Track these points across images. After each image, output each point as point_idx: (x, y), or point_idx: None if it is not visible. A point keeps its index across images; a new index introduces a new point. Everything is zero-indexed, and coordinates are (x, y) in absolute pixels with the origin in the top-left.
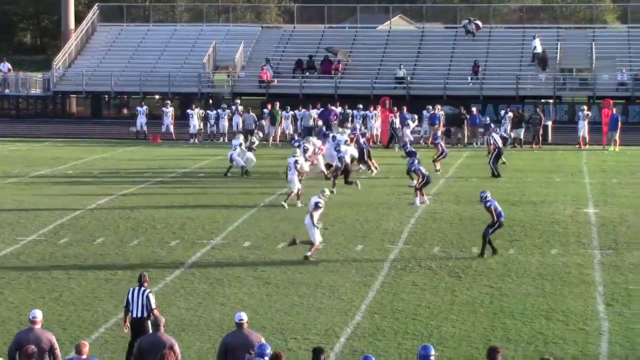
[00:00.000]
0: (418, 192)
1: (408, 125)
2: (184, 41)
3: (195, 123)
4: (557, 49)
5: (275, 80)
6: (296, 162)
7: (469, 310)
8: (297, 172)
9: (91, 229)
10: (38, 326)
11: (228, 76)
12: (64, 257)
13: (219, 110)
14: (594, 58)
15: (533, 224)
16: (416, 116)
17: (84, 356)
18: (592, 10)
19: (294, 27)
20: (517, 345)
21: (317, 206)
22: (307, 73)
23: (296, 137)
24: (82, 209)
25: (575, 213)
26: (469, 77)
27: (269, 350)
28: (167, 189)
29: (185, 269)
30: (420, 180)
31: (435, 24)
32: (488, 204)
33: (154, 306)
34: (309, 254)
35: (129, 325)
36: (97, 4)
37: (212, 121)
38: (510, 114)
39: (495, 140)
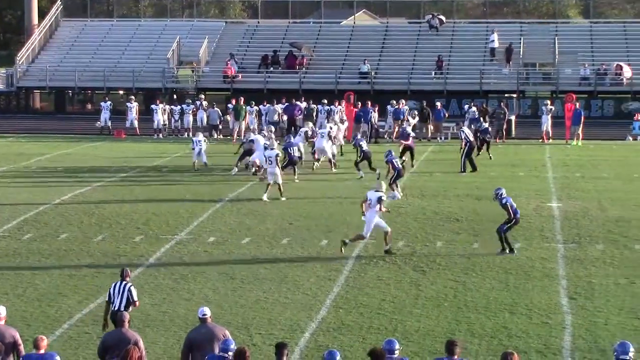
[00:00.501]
0: (393, 185)
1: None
2: (148, 36)
3: (159, 118)
4: (520, 43)
5: (240, 75)
6: (277, 155)
7: (433, 305)
8: (277, 166)
9: (55, 224)
10: (2, 322)
11: (192, 71)
12: (27, 253)
13: (183, 106)
14: (556, 53)
15: (497, 218)
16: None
17: (42, 351)
18: (555, 5)
19: (258, 22)
20: (481, 339)
21: (381, 200)
22: (272, 68)
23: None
24: (46, 204)
25: (538, 207)
26: (433, 72)
27: (233, 346)
28: (131, 185)
29: (149, 265)
30: (392, 173)
31: (399, 19)
32: (504, 201)
33: (135, 299)
34: (387, 247)
35: (109, 319)
36: None
37: (177, 116)
38: (474, 109)
39: (466, 134)
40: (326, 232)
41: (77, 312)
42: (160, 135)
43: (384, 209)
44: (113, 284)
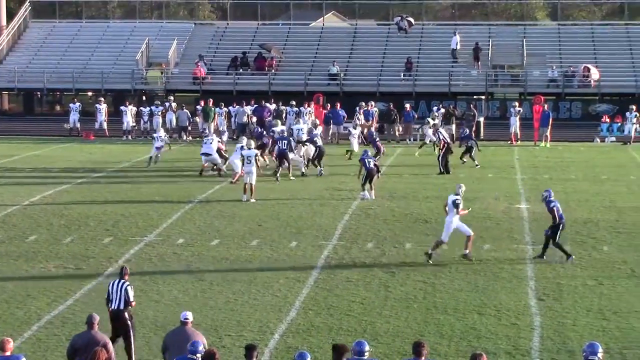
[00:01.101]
0: (365, 186)
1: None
2: (117, 38)
3: (128, 120)
4: (488, 45)
5: (209, 76)
6: (256, 155)
7: (403, 306)
8: (256, 165)
9: (23, 226)
10: None
11: (161, 73)
12: None
13: (152, 107)
14: (525, 55)
15: (466, 219)
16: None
17: (8, 353)
18: (523, 7)
19: (228, 24)
20: (450, 341)
21: (456, 204)
22: (241, 70)
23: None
24: (15, 205)
25: (507, 209)
26: (402, 74)
27: (201, 347)
28: (100, 186)
29: (118, 266)
30: (362, 173)
31: (368, 20)
32: (551, 204)
33: (131, 299)
34: (467, 252)
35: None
36: (29, 0)
37: (146, 118)
38: (443, 110)
39: (443, 136)
40: (295, 234)
41: (46, 314)
42: (130, 137)
43: (462, 212)
44: (111, 282)
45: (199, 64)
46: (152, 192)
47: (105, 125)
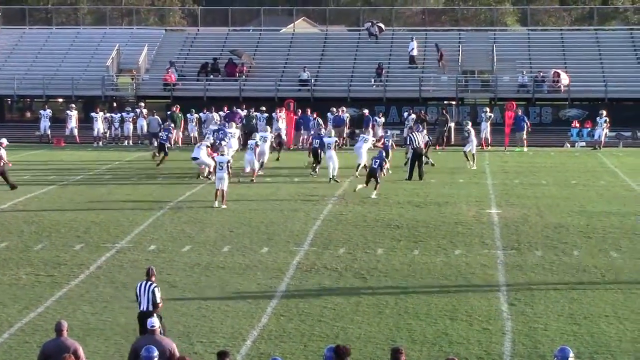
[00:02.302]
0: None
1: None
2: (87, 44)
3: (99, 126)
4: (458, 51)
5: (180, 83)
6: (228, 161)
7: (375, 312)
8: (227, 172)
9: None
10: None
11: (132, 79)
12: None
13: (123, 114)
14: (495, 60)
15: (437, 224)
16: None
17: None
18: (493, 12)
19: (198, 30)
20: (422, 346)
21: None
22: (212, 76)
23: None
24: None
25: (478, 214)
26: (373, 79)
27: (155, 353)
28: (71, 193)
29: (90, 273)
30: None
31: (338, 26)
32: None
33: (158, 301)
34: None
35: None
36: None
37: (117, 124)
38: (413, 116)
39: (413, 139)
40: (267, 240)
41: (17, 322)
42: (100, 143)
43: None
44: (138, 284)
45: (169, 70)
46: (123, 198)
47: (75, 132)
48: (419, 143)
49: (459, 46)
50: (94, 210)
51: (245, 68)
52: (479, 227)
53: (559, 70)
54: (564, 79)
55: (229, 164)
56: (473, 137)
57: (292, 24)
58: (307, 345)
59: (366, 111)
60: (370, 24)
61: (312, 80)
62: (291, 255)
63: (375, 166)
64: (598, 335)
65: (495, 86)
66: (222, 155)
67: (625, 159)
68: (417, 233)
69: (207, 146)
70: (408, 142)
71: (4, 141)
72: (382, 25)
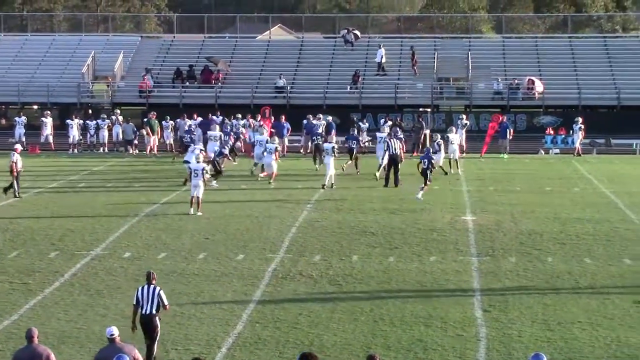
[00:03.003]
0: None
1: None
2: (63, 51)
3: (74, 133)
4: (434, 58)
5: (156, 90)
6: (203, 169)
7: (350, 319)
8: (203, 179)
9: None
10: None
11: (108, 86)
12: None
13: (98, 121)
14: (470, 67)
15: (412, 231)
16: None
17: None
18: (468, 20)
19: (174, 37)
20: (397, 353)
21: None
22: (188, 83)
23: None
24: None
25: (453, 220)
26: (349, 87)
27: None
28: (46, 200)
29: (64, 281)
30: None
31: (314, 33)
32: None
33: (166, 302)
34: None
35: (137, 323)
36: None
37: (92, 131)
38: (390, 122)
39: (391, 145)
40: (242, 247)
41: None
42: (76, 151)
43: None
44: (140, 288)
45: (145, 77)
46: (98, 205)
47: (51, 139)
48: (395, 149)
49: (435, 53)
50: (69, 218)
51: (221, 75)
52: (453, 234)
53: (533, 78)
54: (538, 86)
55: (204, 171)
56: (442, 149)
57: (268, 31)
58: (283, 352)
59: (330, 118)
60: (346, 31)
61: (288, 88)
62: (266, 262)
63: (426, 166)
64: (571, 341)
65: (471, 93)
66: (197, 162)
67: (599, 166)
68: (392, 240)
69: (201, 150)
70: (386, 148)
71: (19, 147)
72: (358, 33)
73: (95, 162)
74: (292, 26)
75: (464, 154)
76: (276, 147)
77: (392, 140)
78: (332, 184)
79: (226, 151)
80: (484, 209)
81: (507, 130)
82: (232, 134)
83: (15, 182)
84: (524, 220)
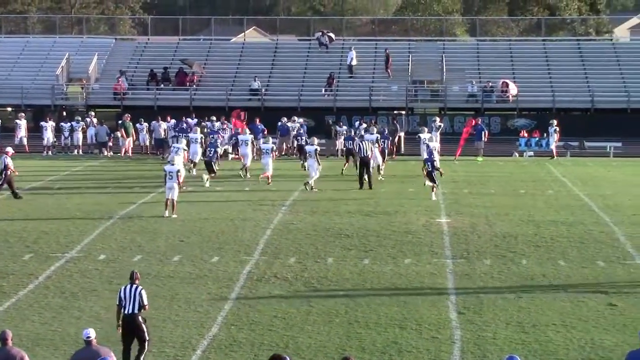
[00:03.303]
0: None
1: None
2: (37, 53)
3: (49, 135)
4: (408, 61)
5: (130, 92)
6: (178, 171)
7: (325, 321)
8: (178, 182)
9: None
10: None
11: (82, 88)
12: None
13: (73, 123)
14: (444, 70)
15: (387, 234)
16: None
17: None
18: (442, 23)
19: (148, 39)
20: (371, 355)
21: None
22: (162, 85)
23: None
24: None
25: (428, 223)
26: (323, 89)
27: None
28: (20, 202)
29: (39, 283)
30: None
31: (289, 36)
32: None
33: (145, 302)
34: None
35: (121, 323)
36: None
37: (67, 133)
38: (364, 125)
39: (362, 148)
40: (217, 249)
41: None
42: (50, 152)
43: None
44: (122, 288)
45: (120, 79)
46: (73, 208)
47: (25, 141)
48: (366, 152)
49: (409, 56)
50: (43, 220)
51: (195, 77)
52: (428, 236)
53: (507, 81)
54: (513, 89)
55: (179, 174)
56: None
57: (243, 34)
58: (258, 354)
59: (285, 119)
60: (320, 33)
61: (263, 90)
62: (241, 264)
63: (430, 169)
64: (546, 343)
65: (445, 96)
66: (172, 164)
67: (572, 169)
68: (367, 242)
69: (185, 150)
70: (356, 151)
71: (10, 150)
72: (333, 35)
73: (69, 164)
74: (267, 29)
75: (438, 156)
76: (272, 147)
77: (362, 142)
78: (312, 187)
79: (221, 151)
80: (458, 212)
81: (482, 132)
82: (220, 133)
83: (11, 185)
84: (499, 223)
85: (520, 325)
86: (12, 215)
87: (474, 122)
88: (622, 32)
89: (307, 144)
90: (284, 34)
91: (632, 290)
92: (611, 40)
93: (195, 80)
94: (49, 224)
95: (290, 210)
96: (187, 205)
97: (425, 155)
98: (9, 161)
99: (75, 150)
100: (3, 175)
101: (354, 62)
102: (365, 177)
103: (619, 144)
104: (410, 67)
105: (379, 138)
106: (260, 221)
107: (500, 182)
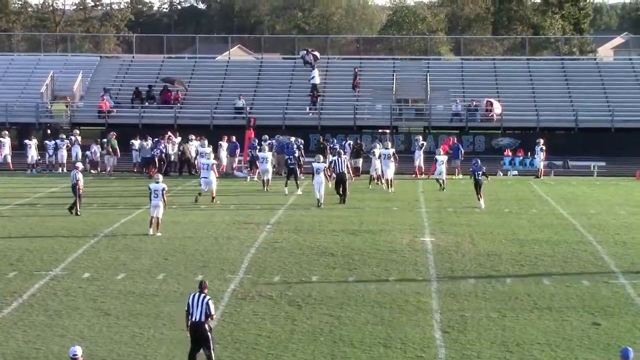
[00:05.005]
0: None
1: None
2: (21, 71)
3: (33, 153)
4: (393, 80)
5: (115, 110)
6: (163, 189)
7: (309, 340)
8: (163, 200)
9: None
10: None
11: (66, 106)
12: None
13: (57, 141)
14: (428, 89)
15: (371, 252)
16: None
17: None
18: (427, 42)
19: (133, 57)
20: None
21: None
22: (147, 103)
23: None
24: None
25: (412, 241)
26: (308, 107)
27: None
28: (4, 220)
29: (23, 301)
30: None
31: (273, 54)
32: None
33: (212, 312)
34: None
35: (188, 328)
36: None
37: (51, 151)
38: (350, 142)
39: (337, 164)
40: (202, 267)
41: None
42: (34, 171)
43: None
44: (192, 295)
45: (104, 97)
46: (57, 226)
47: (9, 159)
48: (341, 168)
49: (393, 75)
50: (27, 238)
51: (180, 95)
52: (412, 255)
53: (491, 100)
54: (497, 108)
55: (164, 192)
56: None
57: (228, 52)
58: None
59: (233, 137)
60: (305, 52)
61: (248, 108)
62: (226, 283)
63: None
64: None
65: (429, 115)
66: (157, 182)
67: (556, 188)
68: (351, 261)
69: (217, 165)
70: (333, 167)
71: (80, 165)
72: (317, 54)
73: (54, 182)
74: (252, 47)
75: (423, 175)
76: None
77: (339, 159)
78: (321, 203)
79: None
80: (443, 230)
81: (459, 151)
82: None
83: (77, 200)
84: (483, 242)
85: (505, 345)
86: None
87: (451, 140)
88: (605, 52)
89: (292, 163)
90: (268, 52)
91: (616, 310)
92: (595, 59)
93: (180, 99)
94: (33, 242)
95: (274, 228)
96: (172, 223)
97: (375, 171)
98: (80, 176)
99: (60, 168)
100: (77, 189)
101: (317, 81)
102: (341, 191)
103: (603, 163)
104: (394, 85)
105: (389, 154)
106: (245, 240)
107: (484, 200)
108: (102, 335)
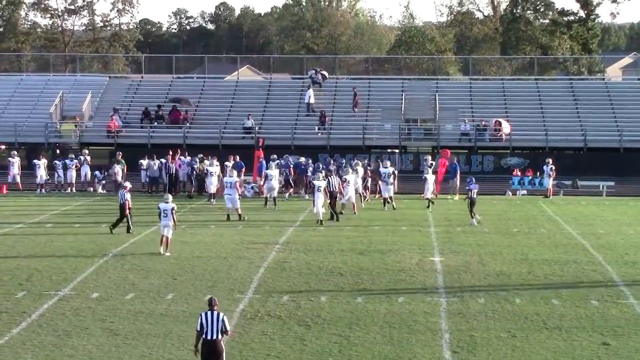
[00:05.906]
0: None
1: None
2: (31, 91)
3: (42, 173)
4: (401, 99)
5: (124, 129)
6: (173, 209)
7: None
8: (173, 219)
9: None
10: None
11: (75, 126)
12: None
13: (66, 161)
14: (437, 109)
15: (380, 272)
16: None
17: None
18: (435, 62)
19: (142, 77)
20: None
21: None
22: (156, 123)
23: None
24: None
25: (421, 261)
26: (317, 127)
27: None
28: (13, 240)
29: (32, 321)
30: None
31: (282, 74)
32: None
33: (228, 328)
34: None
35: (199, 349)
36: None
37: (60, 171)
38: (358, 162)
39: (330, 183)
40: (211, 287)
41: None
42: (43, 190)
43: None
44: (203, 314)
45: (113, 117)
46: (66, 246)
47: (18, 179)
48: (334, 187)
49: (402, 94)
50: (36, 258)
51: (189, 115)
52: (422, 275)
53: (500, 119)
54: (506, 128)
55: (174, 211)
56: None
57: (236, 72)
58: None
59: (237, 157)
60: (314, 71)
61: (257, 128)
62: (235, 302)
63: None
64: None
65: (438, 134)
66: (166, 202)
67: (565, 207)
68: (360, 280)
69: (239, 183)
70: (327, 186)
71: (129, 185)
72: (326, 73)
73: (62, 202)
74: (261, 67)
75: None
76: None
77: (330, 177)
78: (321, 220)
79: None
80: (452, 250)
81: (456, 170)
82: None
83: (129, 219)
84: (492, 261)
85: None
86: (5, 252)
87: (448, 153)
88: (614, 72)
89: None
90: (277, 72)
91: (626, 330)
92: (603, 79)
93: (188, 118)
94: (42, 262)
95: (283, 248)
96: (181, 243)
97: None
98: (128, 196)
99: (69, 188)
100: (127, 209)
101: (312, 101)
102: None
103: (612, 183)
104: (403, 105)
105: (389, 172)
106: (254, 259)
107: (493, 220)
108: (111, 356)
